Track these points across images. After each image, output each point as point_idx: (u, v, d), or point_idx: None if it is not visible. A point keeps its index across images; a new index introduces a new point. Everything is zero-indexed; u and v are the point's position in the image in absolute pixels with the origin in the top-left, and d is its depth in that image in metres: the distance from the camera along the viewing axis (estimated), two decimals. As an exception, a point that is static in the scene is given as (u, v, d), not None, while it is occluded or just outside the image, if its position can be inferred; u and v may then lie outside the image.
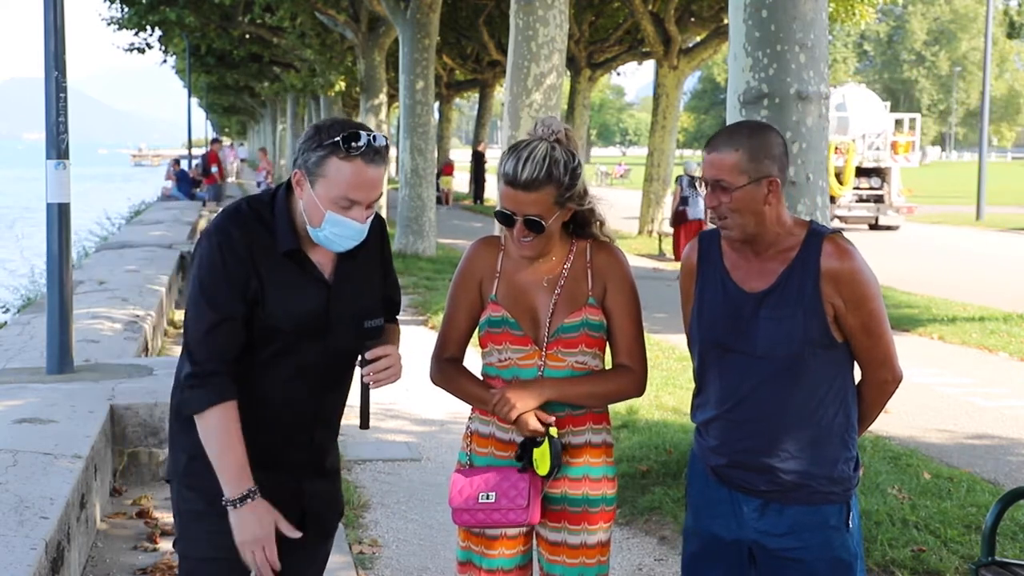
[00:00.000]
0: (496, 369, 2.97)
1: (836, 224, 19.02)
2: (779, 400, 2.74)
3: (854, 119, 25.24)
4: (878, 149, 25.54)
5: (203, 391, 2.66)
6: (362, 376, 2.75)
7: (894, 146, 25.82)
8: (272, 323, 2.71)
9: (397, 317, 3.03)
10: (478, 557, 3.00)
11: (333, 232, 2.67)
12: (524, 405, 2.85)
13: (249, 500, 2.67)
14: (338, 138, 2.59)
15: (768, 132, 2.78)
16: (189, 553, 2.83)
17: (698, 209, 16.93)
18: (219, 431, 2.66)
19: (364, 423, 2.81)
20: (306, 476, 2.86)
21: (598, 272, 2.96)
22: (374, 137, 2.62)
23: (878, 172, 25.45)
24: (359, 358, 2.75)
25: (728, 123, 5.60)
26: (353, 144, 2.59)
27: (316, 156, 2.62)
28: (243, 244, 2.68)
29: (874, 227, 25.32)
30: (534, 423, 2.85)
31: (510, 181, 2.83)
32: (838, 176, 23.91)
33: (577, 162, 2.90)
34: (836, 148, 23.49)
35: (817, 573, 2.76)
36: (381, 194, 2.74)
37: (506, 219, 2.87)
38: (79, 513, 4.63)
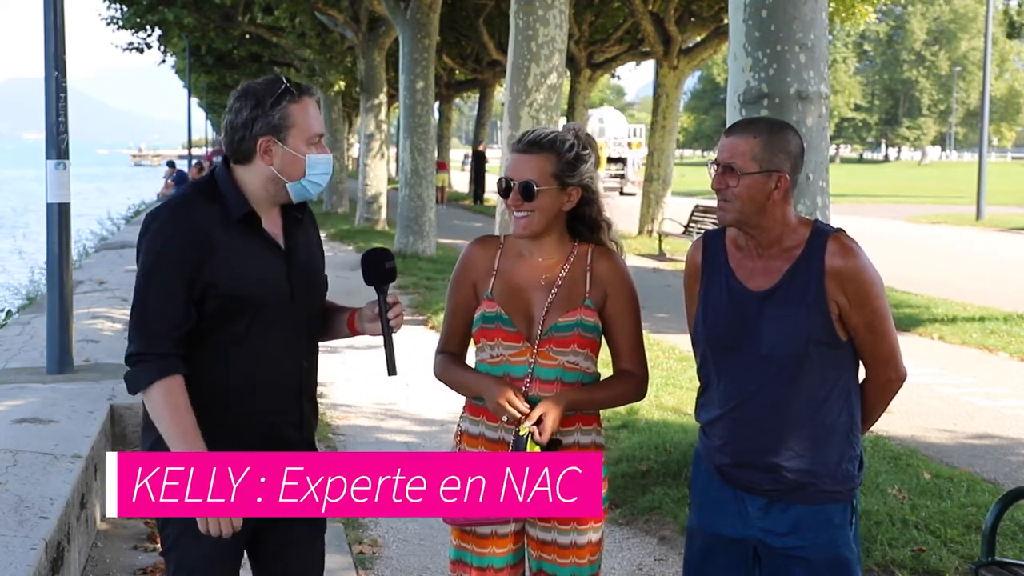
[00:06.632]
0: (488, 365, 2.99)
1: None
2: (784, 399, 2.74)
3: (608, 128, 42.61)
4: (620, 145, 42.29)
5: (145, 368, 2.68)
6: (385, 321, 2.78)
7: (629, 144, 43.07)
8: (237, 294, 2.72)
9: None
10: (469, 555, 3.02)
11: (315, 173, 2.75)
12: (549, 411, 2.84)
13: None
14: (283, 87, 2.72)
15: (789, 130, 2.79)
16: (180, 563, 2.82)
17: None
18: (171, 402, 2.67)
19: (392, 369, 2.79)
20: None
21: (598, 278, 2.96)
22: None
23: (621, 160, 41.98)
24: (379, 300, 2.79)
25: (728, 123, 5.60)
26: (293, 85, 2.74)
27: (277, 113, 2.71)
28: (193, 222, 2.71)
29: (622, 194, 38.35)
30: (519, 406, 2.84)
31: (514, 145, 2.94)
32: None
33: (587, 151, 2.96)
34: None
35: (821, 572, 2.76)
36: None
37: (504, 188, 2.93)
38: (79, 513, 4.63)
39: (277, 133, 2.71)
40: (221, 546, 2.75)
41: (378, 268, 2.84)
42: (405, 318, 2.94)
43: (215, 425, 2.77)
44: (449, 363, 3.05)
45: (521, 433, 2.82)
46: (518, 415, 2.83)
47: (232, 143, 2.74)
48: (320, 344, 3.01)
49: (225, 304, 2.71)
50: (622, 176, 41.81)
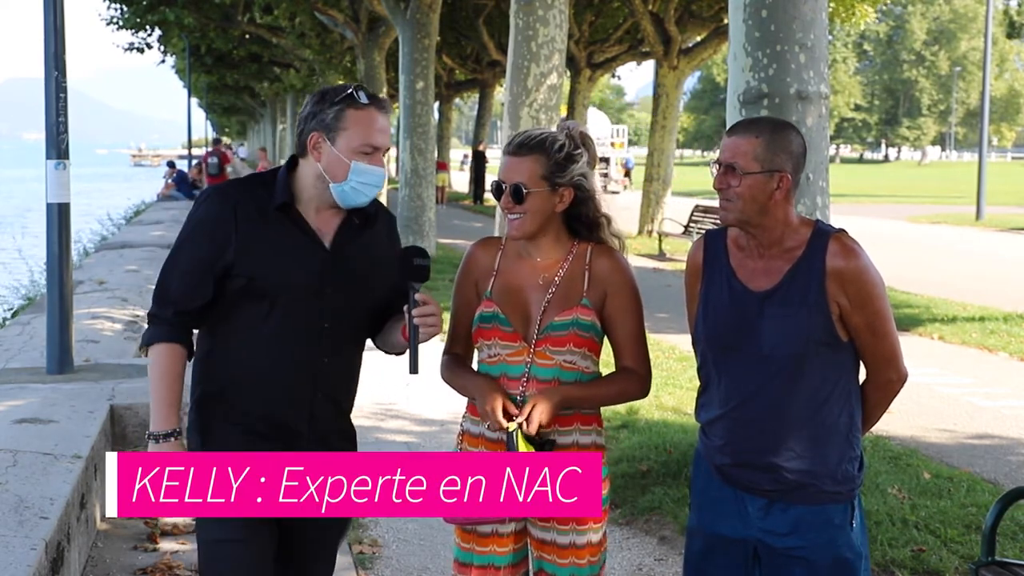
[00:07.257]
0: (486, 365, 3.00)
1: None
2: (784, 399, 2.74)
3: (592, 128, 42.24)
4: (603, 145, 44.50)
5: (156, 329, 2.83)
6: (411, 318, 2.81)
7: (612, 144, 46.86)
8: (257, 276, 2.79)
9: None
10: (471, 554, 3.03)
11: (359, 181, 2.79)
12: (539, 403, 2.84)
13: (172, 439, 2.79)
14: (349, 91, 2.78)
15: (790, 130, 2.79)
16: (209, 536, 2.86)
17: None
18: (160, 367, 2.80)
19: (413, 367, 2.82)
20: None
21: (597, 277, 2.96)
22: (373, 93, 2.85)
23: (604, 159, 43.04)
24: (408, 297, 2.82)
25: (728, 123, 5.60)
26: (364, 94, 2.79)
27: (333, 112, 2.77)
28: (230, 203, 2.82)
29: (605, 191, 40.80)
30: (499, 416, 2.84)
31: (505, 147, 2.96)
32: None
33: (579, 152, 2.95)
34: None
35: (821, 572, 2.76)
36: (389, 147, 2.87)
37: (497, 191, 2.95)
38: (79, 513, 4.63)
39: (328, 132, 2.78)
40: (251, 540, 2.79)
41: (408, 265, 2.86)
42: None
43: (228, 405, 2.84)
44: (452, 365, 3.06)
45: (510, 429, 2.83)
46: (503, 424, 2.83)
47: (296, 135, 2.87)
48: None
49: (248, 285, 2.79)
50: (605, 175, 44.11)
